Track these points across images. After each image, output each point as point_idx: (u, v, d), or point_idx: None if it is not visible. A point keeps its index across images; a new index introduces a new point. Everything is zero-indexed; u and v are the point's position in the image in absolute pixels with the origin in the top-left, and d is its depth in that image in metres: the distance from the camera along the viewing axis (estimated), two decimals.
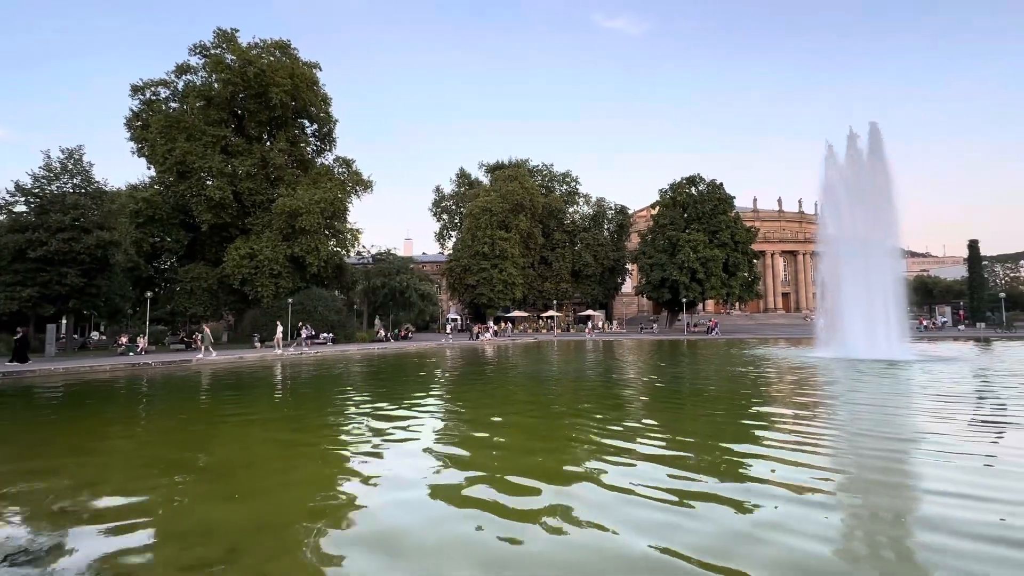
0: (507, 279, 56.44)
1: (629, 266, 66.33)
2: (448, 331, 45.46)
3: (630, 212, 68.20)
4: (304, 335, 34.65)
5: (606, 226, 66.37)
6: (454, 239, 67.22)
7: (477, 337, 46.03)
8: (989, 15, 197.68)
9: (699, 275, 51.55)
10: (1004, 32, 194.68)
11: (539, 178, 66.04)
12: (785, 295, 78.88)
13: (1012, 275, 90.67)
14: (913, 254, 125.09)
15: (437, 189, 70.84)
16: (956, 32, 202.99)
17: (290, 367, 22.36)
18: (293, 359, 26.84)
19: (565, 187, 66.67)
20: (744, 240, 54.43)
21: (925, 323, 52.01)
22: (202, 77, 41.39)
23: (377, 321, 50.13)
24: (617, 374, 18.68)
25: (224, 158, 39.83)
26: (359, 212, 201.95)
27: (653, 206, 65.29)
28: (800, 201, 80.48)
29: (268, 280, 39.17)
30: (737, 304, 63.03)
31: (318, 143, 47.18)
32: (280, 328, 30.62)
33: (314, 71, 43.30)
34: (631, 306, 79.78)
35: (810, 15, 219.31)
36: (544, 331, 59.64)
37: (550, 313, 60.08)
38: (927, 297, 72.28)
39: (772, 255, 76.57)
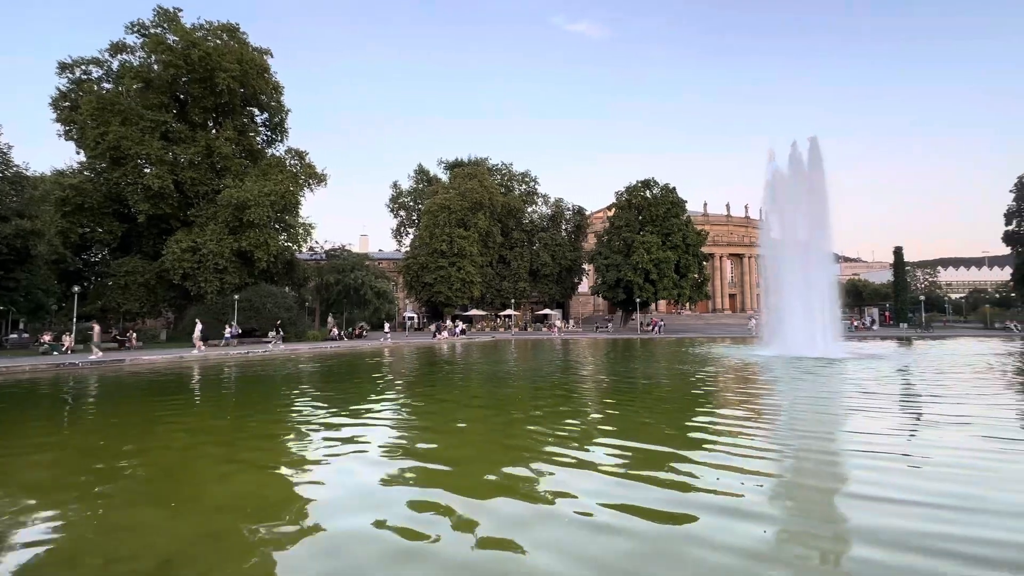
0: (465, 278, 56.15)
1: (586, 266, 67.48)
2: (386, 330, 42.91)
3: (587, 213, 69.39)
4: (228, 334, 33.14)
5: (564, 227, 67.23)
6: (412, 236, 66.21)
7: (436, 335, 45.54)
8: (924, 33, 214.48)
9: (652, 276, 53.15)
10: (939, 53, 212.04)
11: (498, 177, 66.05)
12: (732, 296, 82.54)
13: (931, 280, 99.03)
14: (846, 259, 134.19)
15: (395, 185, 69.52)
16: (897, 49, 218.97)
17: (226, 367, 21.34)
18: (220, 358, 25.65)
19: (524, 187, 67.00)
20: (695, 243, 56.55)
21: (856, 323, 55.79)
22: (140, 58, 38.69)
23: (330, 319, 48.68)
24: (573, 373, 18.98)
25: (164, 145, 37.41)
26: (312, 206, 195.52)
27: (609, 208, 66.71)
28: (747, 207, 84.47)
29: (212, 275, 37.18)
30: (687, 304, 65.43)
31: (269, 133, 45.20)
32: (199, 326, 28.64)
33: (265, 57, 41.42)
34: (587, 305, 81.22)
35: (763, 30, 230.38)
36: (502, 330, 59.77)
37: (508, 312, 60.28)
38: (857, 299, 77.65)
39: (720, 258, 79.93)
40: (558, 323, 62.91)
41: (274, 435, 8.73)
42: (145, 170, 36.67)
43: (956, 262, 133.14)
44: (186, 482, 6.01)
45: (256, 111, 43.82)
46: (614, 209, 60.98)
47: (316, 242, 46.67)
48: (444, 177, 68.12)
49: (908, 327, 57.21)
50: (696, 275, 57.62)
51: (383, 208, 72.02)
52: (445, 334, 46.40)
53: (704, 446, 7.30)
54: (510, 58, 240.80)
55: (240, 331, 34.45)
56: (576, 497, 5.11)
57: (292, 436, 8.62)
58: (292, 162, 43.61)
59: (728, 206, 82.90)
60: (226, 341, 32.58)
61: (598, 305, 78.68)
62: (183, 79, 38.27)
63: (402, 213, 69.44)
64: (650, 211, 56.30)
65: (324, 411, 10.68)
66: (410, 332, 54.26)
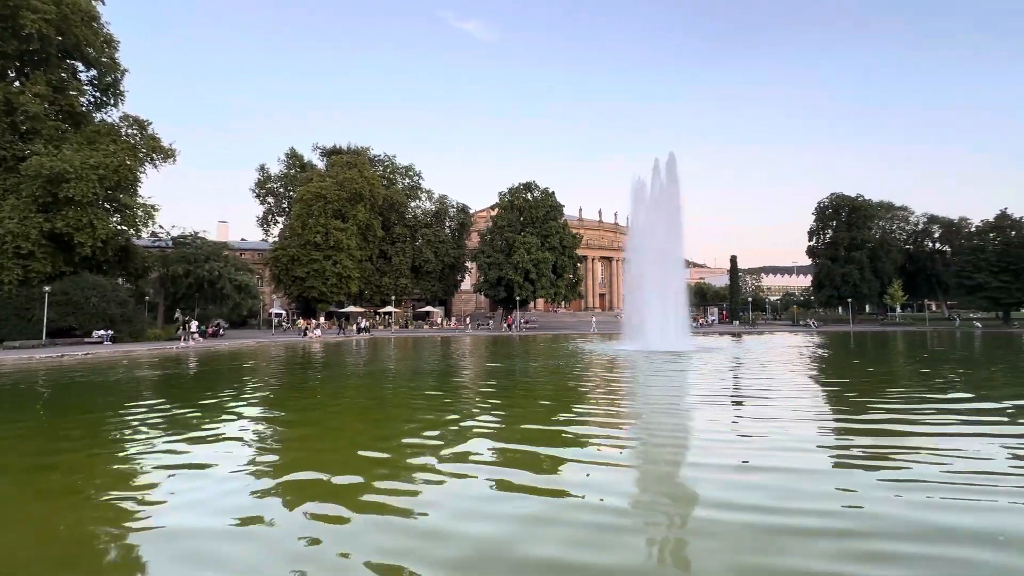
0: (342, 272, 53.04)
1: (469, 264, 68.02)
2: (193, 330, 35.08)
3: (472, 212, 69.93)
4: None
5: (448, 224, 66.89)
6: (281, 226, 60.66)
7: (305, 334, 42.31)
8: (782, 53, 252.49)
9: (532, 275, 55.46)
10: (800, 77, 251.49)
11: (380, 169, 63.47)
12: (602, 296, 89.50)
13: (756, 284, 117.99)
14: (695, 265, 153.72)
15: (262, 169, 63.09)
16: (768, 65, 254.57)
17: (38, 375, 17.62)
18: (21, 365, 21.23)
19: (408, 180, 65.25)
20: (571, 245, 60.23)
21: (700, 321, 64.15)
22: None
23: (179, 316, 42.57)
24: (451, 369, 18.98)
25: None
26: (158, 186, 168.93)
27: (492, 208, 68.00)
28: (616, 214, 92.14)
29: (12, 262, 30.19)
30: (563, 303, 69.41)
31: (97, 94, 37.88)
32: None
33: (93, 2, 34.72)
34: (469, 303, 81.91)
35: (644, 42, 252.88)
36: (381, 327, 57.65)
37: (388, 309, 58.31)
38: (702, 300, 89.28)
39: (592, 260, 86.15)
40: (437, 319, 62.56)
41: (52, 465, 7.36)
42: None
43: (775, 270, 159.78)
44: None
45: (80, 66, 36.52)
46: (497, 209, 62.34)
47: (160, 227, 40.26)
48: (320, 164, 63.56)
49: (739, 324, 67.36)
50: (571, 276, 61.44)
51: (248, 194, 64.67)
52: (318, 332, 43.37)
53: (573, 433, 7.78)
54: (394, 49, 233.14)
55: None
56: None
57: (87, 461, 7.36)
58: (130, 131, 37.09)
59: (600, 212, 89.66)
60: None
61: (480, 303, 79.81)
62: None
63: (270, 200, 63.29)
64: (531, 213, 58.61)
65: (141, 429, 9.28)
66: (276, 330, 49.71)
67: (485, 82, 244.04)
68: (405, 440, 7.95)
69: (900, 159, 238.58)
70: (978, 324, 58.61)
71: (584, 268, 79.34)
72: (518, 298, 55.59)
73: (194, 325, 36.17)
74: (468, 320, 65.61)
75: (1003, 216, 60.74)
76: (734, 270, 77.91)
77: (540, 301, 70.81)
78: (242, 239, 77.49)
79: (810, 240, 74.27)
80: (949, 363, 19.93)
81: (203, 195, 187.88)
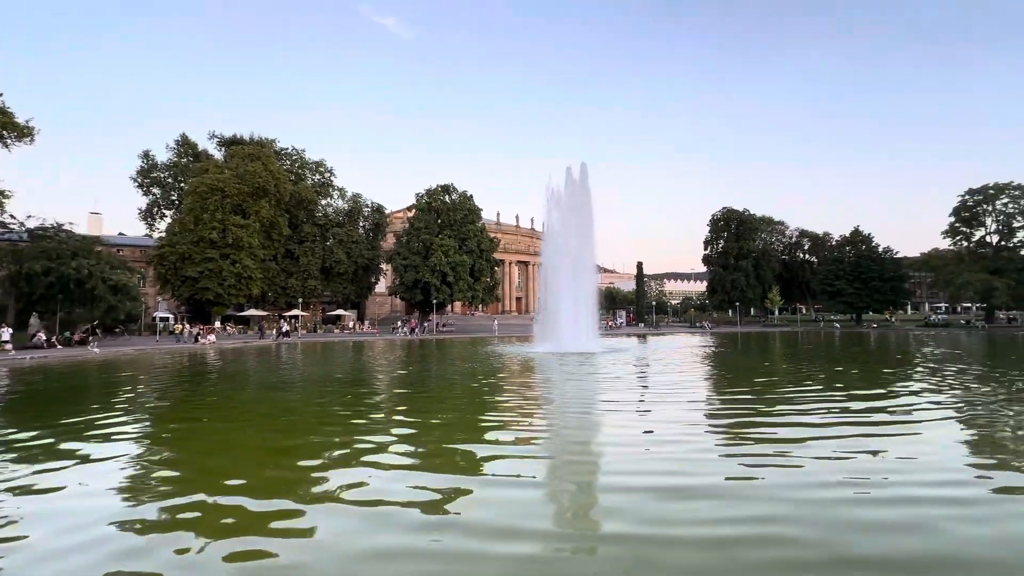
0: (242, 272, 48.90)
1: (384, 266, 66.02)
2: (37, 339, 30.55)
3: (387, 212, 67.90)
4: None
5: (362, 223, 64.37)
6: (169, 220, 54.65)
7: (196, 340, 38.43)
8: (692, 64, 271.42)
9: (449, 278, 55.04)
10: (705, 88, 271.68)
11: (288, 162, 59.51)
12: (519, 299, 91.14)
13: (660, 289, 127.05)
14: (605, 270, 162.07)
15: (146, 156, 56.41)
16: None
17: None
18: None
19: (318, 176, 61.82)
20: (488, 249, 60.68)
21: (609, 323, 67.61)
22: None
23: (34, 320, 36.75)
24: (359, 380, 18.29)
25: None
26: (12, 169, 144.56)
27: (409, 208, 66.65)
28: (533, 219, 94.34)
29: None
30: (480, 306, 69.73)
31: None
32: None
33: None
34: (384, 306, 79.47)
35: (567, 48, 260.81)
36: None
37: (295, 312, 54.72)
38: (612, 303, 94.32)
39: (510, 264, 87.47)
40: (356, 322, 60.03)
41: None
42: None
43: (677, 276, 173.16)
44: None
45: None
46: (414, 211, 61.20)
47: (12, 217, 34.44)
48: (218, 155, 58.24)
49: (644, 326, 71.98)
50: (489, 279, 61.87)
51: (128, 184, 57.20)
52: (212, 338, 39.61)
53: (493, 427, 7.83)
54: (307, 41, 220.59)
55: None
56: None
57: None
58: None
59: (518, 217, 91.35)
60: None
61: (396, 305, 77.70)
62: None
63: (156, 191, 56.82)
64: (449, 215, 58.22)
65: None
66: (163, 336, 44.59)
67: (402, 81, 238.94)
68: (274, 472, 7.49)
69: (782, 177, 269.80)
70: (837, 325, 67.73)
71: (501, 272, 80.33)
72: (435, 301, 54.91)
73: (41, 333, 31.43)
74: (378, 325, 63.62)
75: (856, 232, 71.04)
76: (640, 276, 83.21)
77: (458, 304, 70.53)
78: (120, 233, 68.73)
79: (705, 249, 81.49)
80: (814, 359, 23.02)
81: (78, 188, 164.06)
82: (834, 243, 78.97)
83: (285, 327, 45.98)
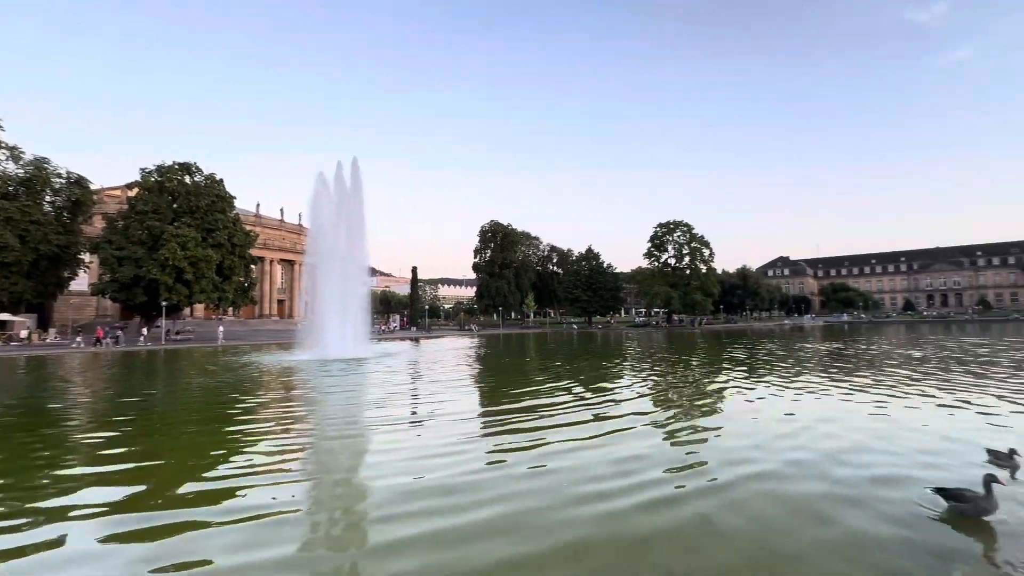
0: None
1: (87, 257, 50.78)
2: None
3: (94, 188, 52.45)
4: None
5: (51, 199, 48.19)
6: None
7: None
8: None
9: (187, 276, 45.55)
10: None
11: None
12: (281, 302, 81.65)
13: (434, 294, 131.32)
14: (381, 273, 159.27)
15: None
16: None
17: None
18: None
19: None
20: (243, 244, 52.53)
21: (382, 327, 66.58)
22: None
23: None
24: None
25: None
26: None
27: (130, 186, 53.16)
28: (300, 215, 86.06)
29: None
30: (231, 309, 59.95)
31: None
32: None
33: None
34: (86, 309, 61.22)
35: (345, 41, 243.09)
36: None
37: None
38: (387, 307, 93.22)
39: (271, 262, 77.82)
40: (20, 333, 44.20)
41: None
42: None
43: (451, 281, 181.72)
44: None
45: None
46: (137, 189, 48.93)
47: None
48: None
49: (418, 329, 73.28)
50: (243, 278, 53.63)
51: None
52: None
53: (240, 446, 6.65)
54: None
55: None
56: None
57: None
58: None
59: (282, 211, 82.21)
60: None
61: (104, 308, 60.62)
62: None
63: None
64: (189, 200, 48.32)
65: None
66: None
67: (143, 42, 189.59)
68: None
69: (539, 195, 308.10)
70: (575, 326, 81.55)
71: (261, 271, 70.92)
72: (165, 303, 44.67)
73: None
74: (81, 333, 48.73)
75: (590, 250, 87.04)
76: (415, 280, 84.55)
77: (200, 307, 59.16)
78: None
79: (475, 257, 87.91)
80: (558, 354, 27.13)
81: None
82: (575, 258, 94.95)
83: (110, 338, 30.54)
